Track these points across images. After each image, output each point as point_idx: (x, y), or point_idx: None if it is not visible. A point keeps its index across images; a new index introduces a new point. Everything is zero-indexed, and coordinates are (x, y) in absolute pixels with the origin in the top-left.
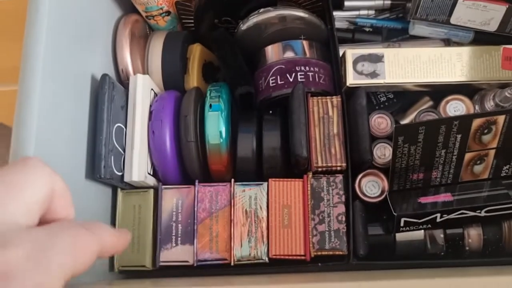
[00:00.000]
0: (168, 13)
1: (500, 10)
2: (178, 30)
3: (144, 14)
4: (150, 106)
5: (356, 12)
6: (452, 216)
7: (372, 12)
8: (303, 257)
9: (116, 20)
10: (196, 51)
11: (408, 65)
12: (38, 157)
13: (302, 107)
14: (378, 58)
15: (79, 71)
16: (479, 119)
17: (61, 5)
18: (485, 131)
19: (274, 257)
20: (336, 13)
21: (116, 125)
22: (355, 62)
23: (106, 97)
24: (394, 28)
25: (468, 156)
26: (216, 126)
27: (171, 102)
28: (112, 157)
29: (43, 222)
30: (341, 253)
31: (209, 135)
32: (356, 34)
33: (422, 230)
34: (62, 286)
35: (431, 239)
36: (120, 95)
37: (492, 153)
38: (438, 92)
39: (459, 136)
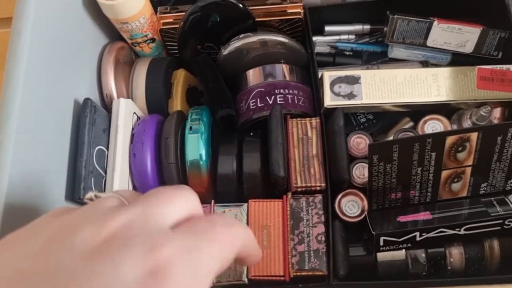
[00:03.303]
0: (152, 40)
1: (475, 32)
2: (163, 56)
3: (129, 41)
4: (132, 129)
5: (337, 37)
6: (431, 234)
7: (352, 36)
8: (282, 278)
9: (102, 47)
10: (180, 76)
11: (385, 86)
12: None
13: (279, 127)
14: (355, 80)
15: (62, 95)
16: (453, 136)
17: (44, 32)
18: (460, 148)
19: (253, 277)
20: (318, 38)
21: (98, 147)
22: (332, 84)
23: (88, 120)
24: (374, 52)
25: (444, 174)
26: (196, 148)
27: (152, 125)
28: (93, 179)
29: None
30: (320, 273)
31: (189, 157)
32: (337, 58)
33: (404, 250)
34: None
35: (412, 259)
36: (102, 119)
37: (468, 170)
38: (418, 113)
39: (433, 154)
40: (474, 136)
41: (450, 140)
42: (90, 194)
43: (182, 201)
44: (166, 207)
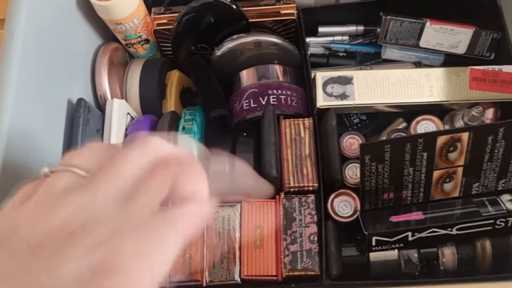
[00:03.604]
0: (147, 41)
1: (467, 33)
2: (157, 58)
3: (123, 42)
4: (126, 129)
5: (331, 38)
6: (423, 234)
7: (346, 37)
8: (275, 278)
9: (96, 48)
10: (174, 77)
11: (377, 86)
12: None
13: (272, 127)
14: (347, 80)
15: (56, 96)
16: (444, 136)
17: (38, 33)
18: (451, 148)
19: (246, 277)
20: (311, 39)
21: None
22: (325, 85)
23: (81, 120)
24: (368, 53)
25: (436, 174)
26: (188, 149)
27: (146, 125)
28: None
29: None
30: (313, 273)
31: None
32: (331, 59)
33: (396, 250)
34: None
35: (405, 259)
36: (95, 119)
37: (460, 170)
38: (412, 114)
39: (425, 154)
40: (465, 136)
41: (441, 140)
42: (45, 170)
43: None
44: (116, 180)
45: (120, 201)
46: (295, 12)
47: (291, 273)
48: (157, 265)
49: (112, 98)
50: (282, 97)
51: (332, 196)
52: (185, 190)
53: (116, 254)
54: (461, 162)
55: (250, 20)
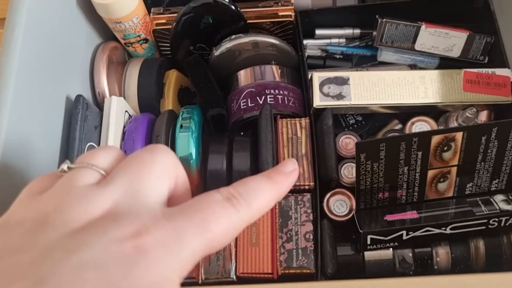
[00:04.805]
0: (145, 40)
1: (461, 37)
2: (156, 57)
3: (122, 41)
4: (124, 127)
5: (328, 40)
6: (418, 233)
7: (343, 40)
8: (270, 275)
9: (95, 47)
10: (172, 77)
11: (373, 87)
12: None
13: (269, 126)
14: (344, 81)
15: (55, 93)
16: (438, 136)
17: (38, 30)
18: (445, 148)
19: (241, 275)
20: (309, 41)
21: (89, 143)
22: (322, 85)
23: (79, 117)
24: (364, 55)
25: (430, 173)
26: (186, 146)
27: (144, 123)
28: None
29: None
30: (308, 271)
31: (179, 155)
32: (327, 60)
33: (391, 250)
34: (189, 269)
35: (400, 258)
36: (94, 116)
37: (454, 170)
38: (407, 115)
39: (419, 153)
40: (459, 136)
41: (435, 139)
42: (63, 166)
43: (166, 171)
44: (151, 182)
45: (156, 203)
46: (292, 14)
47: (286, 271)
48: (187, 252)
49: (110, 96)
50: (279, 97)
51: (328, 195)
52: None
53: (153, 243)
54: (455, 162)
55: (248, 21)
